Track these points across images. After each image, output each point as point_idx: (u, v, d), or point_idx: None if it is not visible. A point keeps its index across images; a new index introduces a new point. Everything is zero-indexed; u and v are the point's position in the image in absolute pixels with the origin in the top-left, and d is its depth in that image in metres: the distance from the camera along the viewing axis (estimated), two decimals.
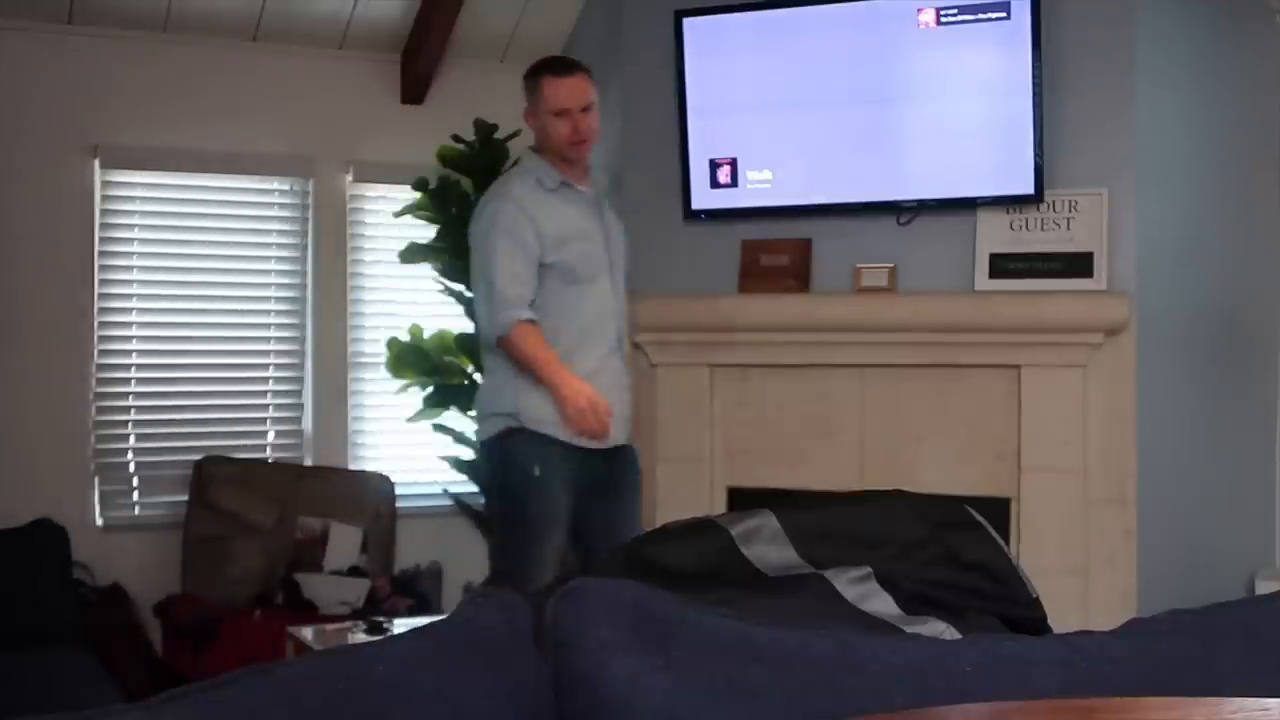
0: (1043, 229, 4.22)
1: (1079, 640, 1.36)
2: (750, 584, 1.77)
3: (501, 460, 3.79)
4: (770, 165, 4.54)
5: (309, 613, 4.79)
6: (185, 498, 5.09)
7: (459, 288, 5.26)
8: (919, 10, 4.23)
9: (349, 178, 5.46)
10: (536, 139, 3.85)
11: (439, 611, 5.10)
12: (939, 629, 1.67)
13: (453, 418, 5.31)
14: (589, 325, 3.78)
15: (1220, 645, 1.36)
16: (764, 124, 4.53)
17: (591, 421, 3.64)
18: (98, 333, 5.07)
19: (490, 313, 3.69)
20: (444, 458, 5.32)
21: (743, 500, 4.54)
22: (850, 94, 4.38)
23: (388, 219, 5.43)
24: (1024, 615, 1.83)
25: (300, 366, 5.44)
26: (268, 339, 5.43)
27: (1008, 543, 4.27)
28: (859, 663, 1.30)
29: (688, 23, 4.56)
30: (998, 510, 4.18)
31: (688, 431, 4.70)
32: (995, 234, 4.28)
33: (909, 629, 1.65)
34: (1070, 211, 4.19)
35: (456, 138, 5.26)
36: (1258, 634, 1.38)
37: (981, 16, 4.17)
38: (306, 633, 4.20)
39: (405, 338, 5.30)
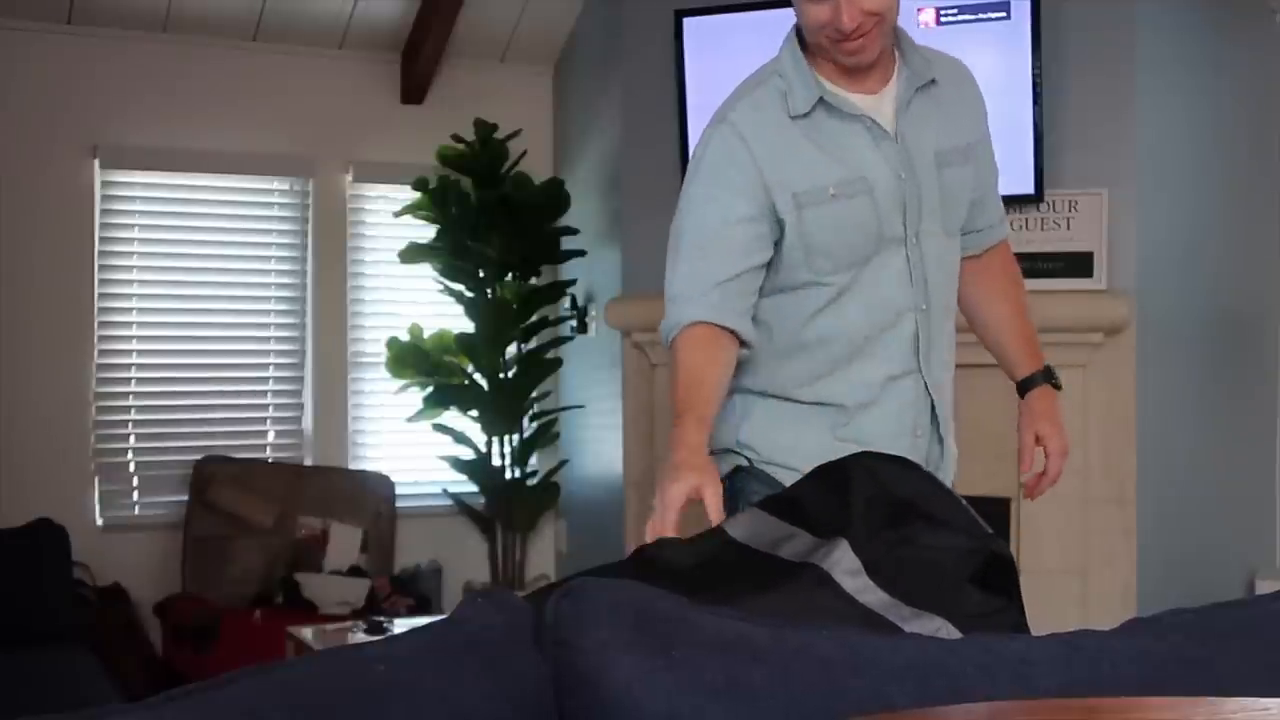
0: (1043, 229, 4.22)
1: (1080, 640, 1.36)
2: (748, 576, 1.76)
3: (730, 510, 2.20)
4: None
5: (309, 613, 4.80)
6: (185, 498, 5.09)
7: (459, 287, 5.27)
8: (919, 10, 4.23)
9: (349, 178, 5.47)
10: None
11: (439, 611, 5.10)
12: (936, 625, 1.67)
13: (452, 418, 5.31)
14: (860, 333, 2.29)
15: (1221, 645, 1.37)
16: None
17: (650, 529, 2.02)
18: (98, 333, 5.08)
19: (667, 304, 2.27)
20: (444, 458, 5.33)
21: None
22: None
23: (388, 219, 5.44)
24: (979, 546, 1.80)
25: (300, 366, 5.44)
26: (268, 339, 5.43)
27: (1007, 543, 4.28)
28: (861, 663, 1.30)
29: (688, 22, 4.56)
30: (998, 510, 4.18)
31: None
32: None
33: (908, 626, 1.65)
34: (1070, 211, 4.19)
35: (456, 138, 5.26)
36: (1259, 634, 1.38)
37: (981, 16, 4.17)
38: (306, 633, 4.20)
39: (405, 338, 5.31)
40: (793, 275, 2.26)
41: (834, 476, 1.86)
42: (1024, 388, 2.48)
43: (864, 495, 1.80)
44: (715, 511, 2.01)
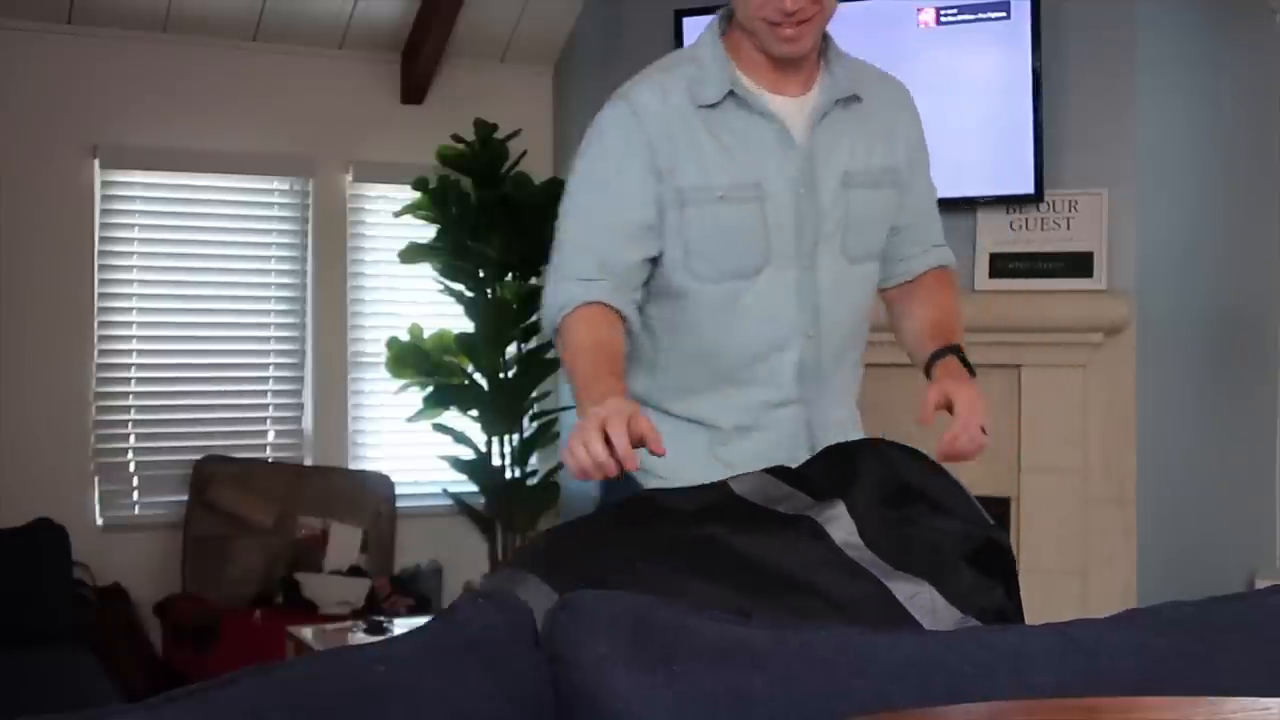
0: (1043, 229, 4.22)
1: (1076, 632, 1.36)
2: (745, 521, 1.77)
3: (599, 508, 2.20)
4: None
5: (309, 613, 4.79)
6: (185, 498, 5.09)
7: (459, 287, 5.26)
8: (919, 10, 4.23)
9: (349, 178, 5.46)
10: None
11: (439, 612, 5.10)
12: (918, 588, 1.67)
13: (452, 418, 5.31)
14: (740, 352, 2.12)
15: (1218, 638, 1.37)
16: None
17: (579, 455, 1.77)
18: (98, 333, 5.08)
19: (553, 284, 2.12)
20: (444, 458, 5.33)
21: None
22: None
23: (388, 219, 5.43)
24: (978, 533, 1.80)
25: (300, 366, 5.44)
26: (268, 339, 5.43)
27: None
28: (861, 664, 1.30)
29: (688, 22, 4.56)
30: (998, 510, 4.18)
31: None
32: (995, 234, 4.28)
33: (889, 582, 1.66)
34: (1070, 211, 4.19)
35: (456, 137, 5.26)
36: (1255, 627, 1.39)
37: (981, 16, 4.17)
38: (306, 633, 4.20)
39: (405, 338, 5.30)
40: (671, 277, 2.10)
41: (842, 455, 1.88)
42: (930, 363, 2.15)
43: (870, 474, 1.82)
44: (653, 435, 1.79)
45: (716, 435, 2.13)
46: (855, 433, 2.24)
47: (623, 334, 2.05)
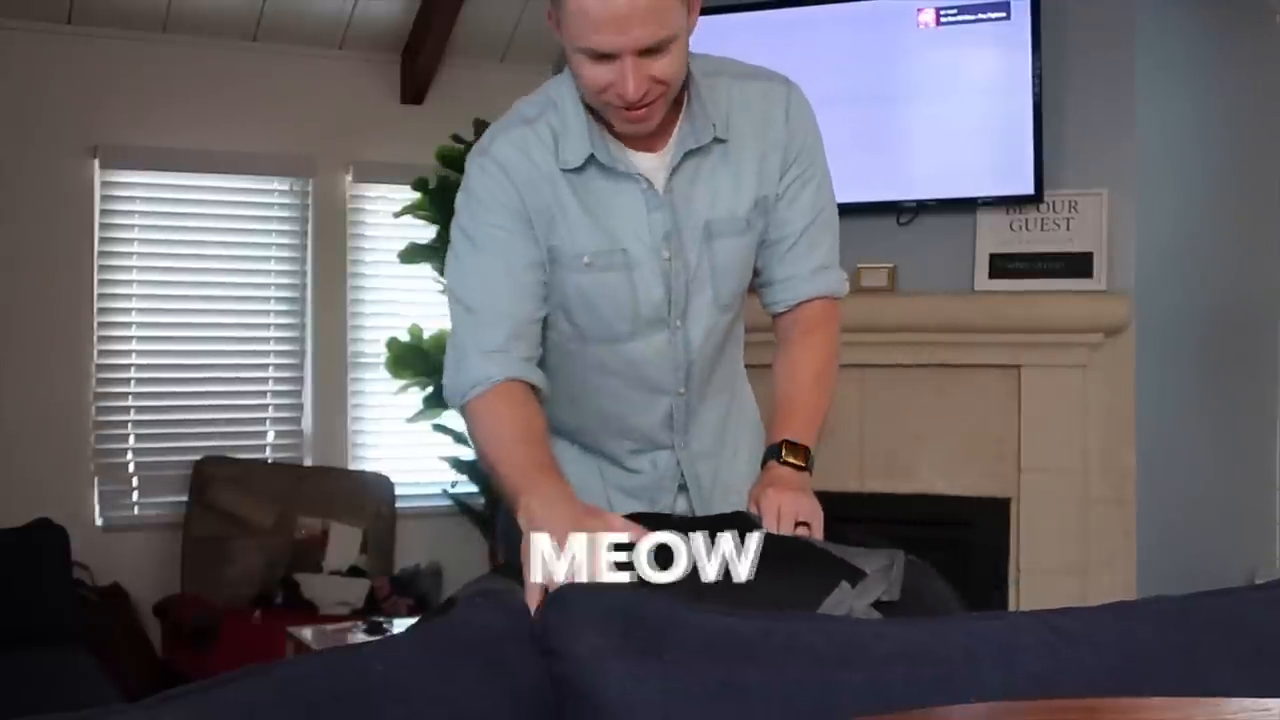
0: (1043, 229, 4.22)
1: (1063, 621, 1.37)
2: (681, 523, 1.86)
3: (504, 530, 2.09)
4: None
5: (309, 613, 4.80)
6: (185, 498, 5.09)
7: None
8: (919, 10, 4.23)
9: (349, 178, 5.47)
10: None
11: None
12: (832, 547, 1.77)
13: (453, 418, 5.31)
14: (608, 411, 2.13)
15: (1202, 631, 1.37)
16: None
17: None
18: (98, 333, 5.08)
19: (449, 367, 2.01)
20: (444, 458, 5.33)
21: None
22: (850, 94, 4.37)
23: (388, 219, 5.44)
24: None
25: (300, 366, 5.44)
26: (268, 339, 5.43)
27: (1007, 543, 4.28)
28: (849, 654, 1.30)
29: None
30: (998, 510, 4.18)
31: None
32: (995, 234, 4.28)
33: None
34: (1070, 211, 4.19)
35: (456, 138, 5.26)
36: (1240, 621, 1.39)
37: (981, 16, 4.17)
38: (306, 633, 4.21)
39: (405, 338, 5.31)
40: (549, 330, 2.05)
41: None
42: (763, 464, 2.03)
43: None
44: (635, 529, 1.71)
45: (604, 461, 2.15)
46: (731, 460, 2.19)
47: (540, 411, 1.96)
